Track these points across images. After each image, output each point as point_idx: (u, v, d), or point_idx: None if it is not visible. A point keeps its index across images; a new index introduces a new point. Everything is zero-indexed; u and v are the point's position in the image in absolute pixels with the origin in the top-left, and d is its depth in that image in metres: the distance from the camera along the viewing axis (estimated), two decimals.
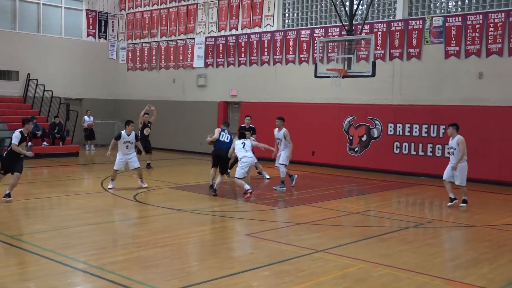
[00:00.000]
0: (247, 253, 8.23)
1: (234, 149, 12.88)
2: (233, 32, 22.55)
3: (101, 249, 8.13)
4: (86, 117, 24.47)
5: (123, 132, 14.04)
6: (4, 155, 11.73)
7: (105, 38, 27.05)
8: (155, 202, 12.25)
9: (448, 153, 12.78)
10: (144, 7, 26.18)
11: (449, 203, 12.22)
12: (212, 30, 23.34)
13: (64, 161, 19.89)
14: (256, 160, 13.42)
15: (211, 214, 11.22)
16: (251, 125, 16.19)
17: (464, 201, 12.20)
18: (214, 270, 7.23)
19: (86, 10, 26.31)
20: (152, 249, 8.19)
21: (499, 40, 15.92)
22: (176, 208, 11.66)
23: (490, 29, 16.07)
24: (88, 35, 26.45)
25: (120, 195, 12.88)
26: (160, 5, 25.37)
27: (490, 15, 16.08)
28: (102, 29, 26.91)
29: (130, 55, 26.93)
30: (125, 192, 13.26)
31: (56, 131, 21.87)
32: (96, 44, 26.73)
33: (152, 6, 25.76)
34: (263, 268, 7.37)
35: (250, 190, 12.38)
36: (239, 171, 12.70)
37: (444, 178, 12.39)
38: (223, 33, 22.93)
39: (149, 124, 18.29)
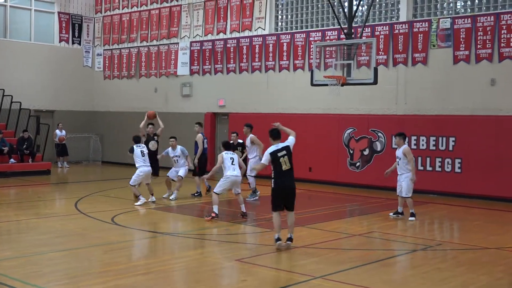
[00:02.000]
0: (238, 281, 8.21)
1: (221, 162, 12.78)
2: (221, 36, 22.67)
3: (75, 278, 8.07)
4: (57, 131, 24.38)
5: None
6: None
7: (80, 44, 27.10)
8: (135, 224, 12.21)
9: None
10: (122, 9, 26.26)
11: (391, 214, 13.44)
12: (197, 34, 23.45)
13: (34, 180, 19.80)
14: (240, 179, 13.27)
15: (197, 237, 11.19)
16: (239, 141, 16.31)
17: (412, 215, 12.99)
18: None
19: (58, 12, 26.36)
20: (133, 277, 8.16)
21: None
22: (159, 231, 11.64)
23: (502, 31, 16.27)
24: (60, 40, 26.48)
25: (97, 217, 12.83)
26: (140, 7, 25.47)
27: (502, 16, 16.28)
28: (76, 34, 26.96)
29: (107, 62, 26.97)
30: (102, 214, 13.22)
31: (25, 146, 21.80)
32: (70, 50, 26.76)
33: (132, 8, 25.85)
34: None
35: (214, 215, 12.41)
36: (219, 187, 12.70)
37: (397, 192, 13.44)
38: (209, 37, 23.04)
39: (155, 138, 16.88)
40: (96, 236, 10.96)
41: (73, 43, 26.90)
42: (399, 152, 13.32)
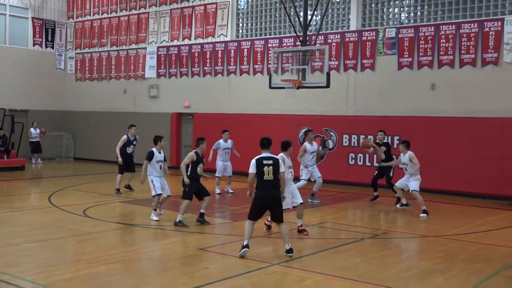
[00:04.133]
0: (201, 268, 8.22)
1: None
2: (186, 42, 22.56)
3: (49, 267, 7.97)
4: (32, 129, 23.90)
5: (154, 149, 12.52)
6: None
7: (53, 47, 26.60)
8: (106, 217, 12.08)
9: (401, 168, 13.82)
10: (93, 15, 25.88)
11: (400, 206, 13.79)
12: (164, 40, 23.29)
13: (9, 176, 19.36)
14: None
15: (164, 228, 11.14)
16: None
17: (424, 211, 12.95)
18: (167, 286, 7.19)
19: (32, 18, 25.81)
20: (103, 266, 8.08)
21: (450, 52, 16.48)
22: (127, 223, 11.55)
23: (442, 40, 16.64)
24: (34, 44, 25.95)
25: (69, 210, 12.65)
26: (110, 13, 25.14)
27: (441, 27, 16.64)
28: (49, 38, 26.45)
29: (78, 65, 26.54)
30: (74, 207, 13.03)
31: (0, 144, 21.31)
32: (43, 53, 26.24)
33: (102, 14, 25.50)
34: (218, 283, 7.38)
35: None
36: None
37: (396, 184, 13.67)
38: (175, 43, 22.91)
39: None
40: (68, 228, 10.81)
41: (46, 46, 26.38)
42: (405, 159, 13.34)
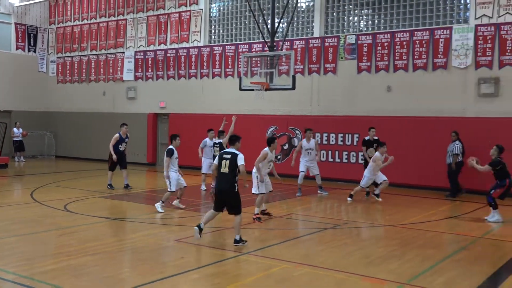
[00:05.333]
0: (177, 258, 8.13)
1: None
2: (162, 47, 22.34)
3: (31, 259, 7.77)
4: (15, 129, 23.38)
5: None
6: None
7: (35, 51, 26.04)
8: (86, 211, 11.87)
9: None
10: (74, 21, 25.43)
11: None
12: (141, 45, 23.02)
13: None
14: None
15: (141, 221, 11.00)
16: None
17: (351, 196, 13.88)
18: (145, 276, 7.09)
19: (15, 23, 25.22)
20: (83, 258, 7.93)
21: (404, 57, 16.67)
22: (106, 217, 11.36)
23: (397, 47, 16.82)
24: (17, 48, 25.36)
25: (51, 205, 12.39)
26: (90, 20, 24.74)
27: (397, 34, 16.82)
28: (32, 43, 25.89)
29: (60, 68, 26.05)
30: (56, 202, 12.78)
31: None
32: (26, 57, 25.67)
33: (82, 20, 25.07)
34: (192, 272, 7.31)
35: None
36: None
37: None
38: (152, 47, 22.66)
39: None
40: (50, 222, 10.58)
41: (29, 51, 25.81)
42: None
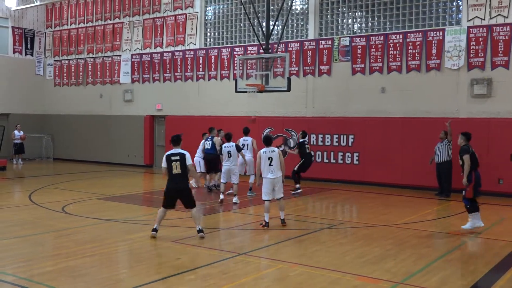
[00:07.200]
0: (173, 259, 8.12)
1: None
2: (158, 49, 22.32)
3: (29, 261, 7.76)
4: (16, 132, 23.35)
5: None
6: None
7: (32, 55, 25.97)
8: (84, 213, 11.85)
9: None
10: (70, 25, 25.38)
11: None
12: (137, 48, 23.00)
13: None
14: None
15: (138, 223, 10.99)
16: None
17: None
18: (141, 277, 7.09)
19: (12, 27, 25.15)
20: (81, 259, 7.92)
21: (398, 59, 16.71)
22: (104, 218, 11.35)
23: (390, 48, 16.85)
24: (14, 52, 25.28)
25: (49, 207, 12.36)
26: (87, 23, 24.70)
27: (390, 36, 16.86)
28: (29, 46, 25.82)
29: (57, 71, 25.99)
30: (54, 204, 12.75)
31: None
32: (23, 60, 25.60)
33: (79, 24, 25.03)
34: (189, 272, 7.31)
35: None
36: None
37: None
38: (148, 50, 22.64)
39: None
40: (48, 224, 10.56)
41: (26, 54, 25.74)
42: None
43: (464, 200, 10.08)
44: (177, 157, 9.13)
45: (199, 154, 15.49)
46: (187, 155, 9.20)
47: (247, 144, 14.83)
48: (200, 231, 9.28)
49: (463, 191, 10.05)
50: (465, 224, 10.17)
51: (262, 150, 10.35)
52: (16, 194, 15.67)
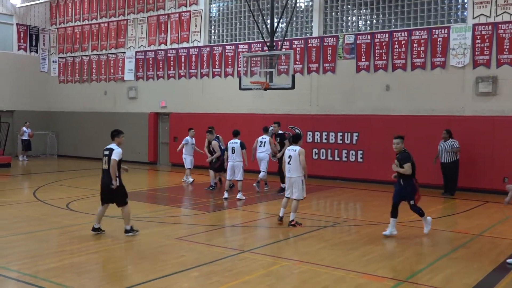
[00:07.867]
0: (178, 256, 8.13)
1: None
2: (162, 47, 22.33)
3: (34, 257, 7.78)
4: (24, 128, 23.45)
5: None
6: None
7: (37, 52, 26.03)
8: (88, 210, 11.87)
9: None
10: (75, 22, 25.42)
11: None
12: (142, 45, 23.01)
13: None
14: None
15: (143, 220, 11.01)
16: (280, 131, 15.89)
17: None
18: (146, 273, 7.10)
19: (17, 24, 25.22)
20: (85, 256, 7.94)
21: (403, 56, 16.66)
22: (108, 215, 11.35)
23: (395, 46, 16.80)
24: (19, 49, 25.35)
25: (53, 204, 12.40)
26: (91, 20, 24.73)
27: (395, 33, 16.81)
28: (33, 43, 25.88)
29: (61, 68, 26.05)
30: (58, 201, 12.78)
31: None
32: (28, 57, 25.66)
33: (83, 21, 25.07)
34: (193, 269, 7.32)
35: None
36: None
37: None
38: (152, 47, 22.65)
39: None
40: (52, 221, 10.59)
41: (30, 51, 25.80)
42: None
43: (413, 208, 9.62)
44: (107, 152, 9.14)
45: (187, 151, 16.41)
46: (116, 151, 9.06)
47: (264, 142, 15.16)
48: (127, 231, 9.17)
49: (412, 200, 9.55)
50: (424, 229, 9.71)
51: (287, 147, 10.52)
52: (20, 191, 15.71)
